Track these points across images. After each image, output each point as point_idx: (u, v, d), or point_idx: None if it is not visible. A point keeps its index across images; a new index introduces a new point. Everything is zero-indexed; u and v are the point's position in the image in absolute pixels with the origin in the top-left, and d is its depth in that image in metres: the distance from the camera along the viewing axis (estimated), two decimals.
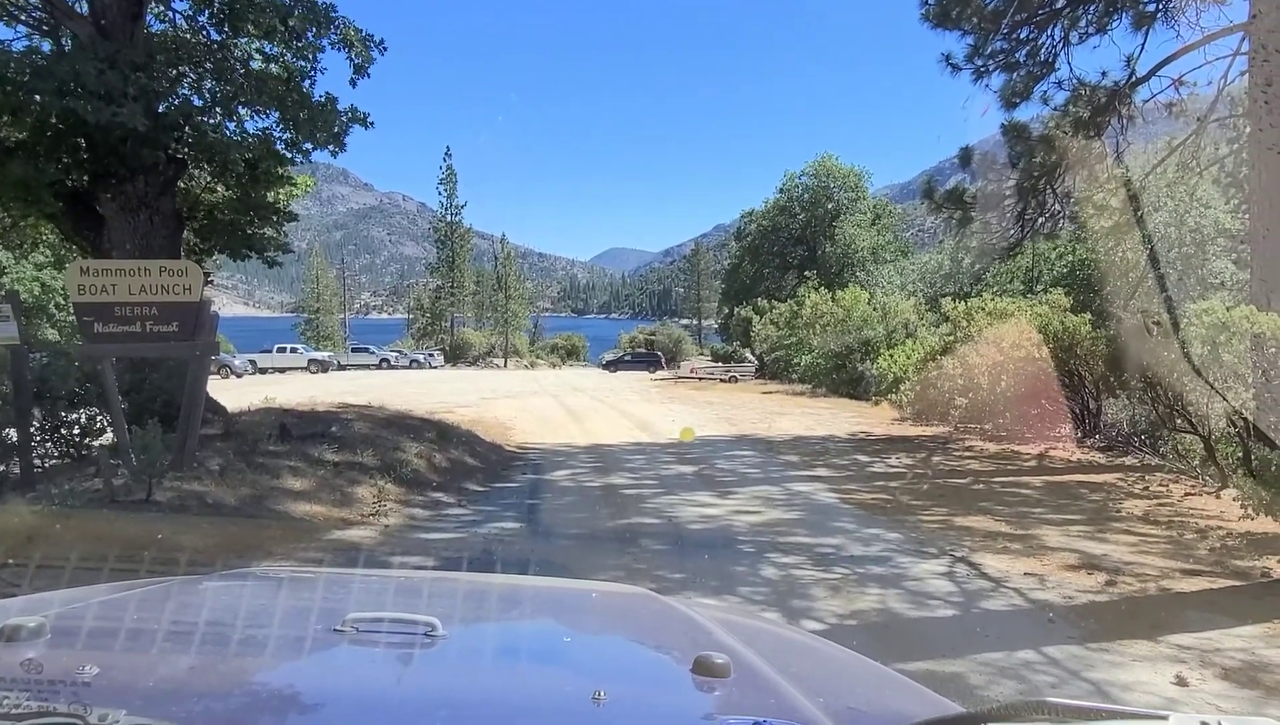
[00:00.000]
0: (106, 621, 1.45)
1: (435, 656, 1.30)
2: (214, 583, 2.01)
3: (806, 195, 50.95)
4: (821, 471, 12.23)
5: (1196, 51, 11.92)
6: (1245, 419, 8.70)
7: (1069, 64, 12.98)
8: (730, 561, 7.03)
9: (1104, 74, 12.88)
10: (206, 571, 2.23)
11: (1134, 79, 12.58)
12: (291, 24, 11.94)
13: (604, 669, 1.46)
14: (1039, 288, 25.04)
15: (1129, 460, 12.23)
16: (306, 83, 12.52)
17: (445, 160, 70.89)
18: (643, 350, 59.06)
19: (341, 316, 76.44)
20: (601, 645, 1.64)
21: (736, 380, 39.16)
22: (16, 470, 8.58)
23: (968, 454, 13.69)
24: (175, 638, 1.44)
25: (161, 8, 12.68)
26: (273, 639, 1.47)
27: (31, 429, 8.81)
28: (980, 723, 0.98)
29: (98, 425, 9.55)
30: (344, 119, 12.35)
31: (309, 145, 12.42)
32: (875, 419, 19.52)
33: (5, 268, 31.36)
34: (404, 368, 51.14)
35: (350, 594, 1.90)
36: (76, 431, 9.49)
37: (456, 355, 63.25)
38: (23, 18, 11.76)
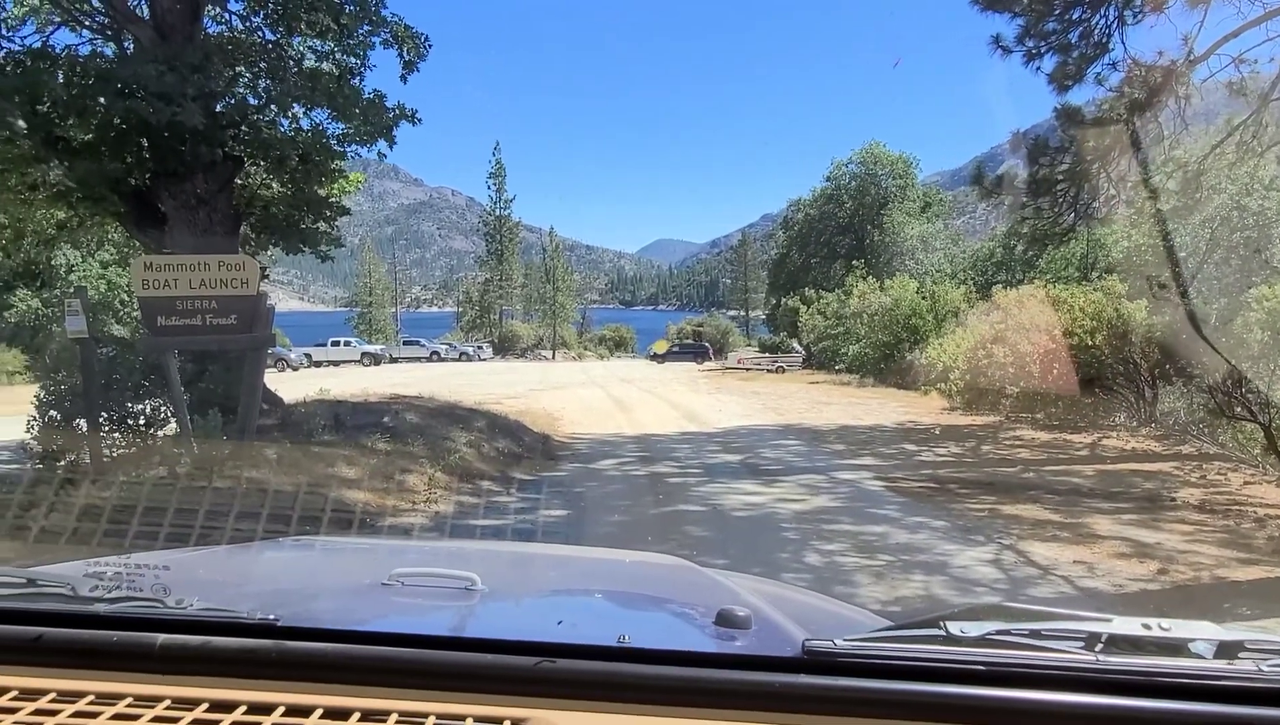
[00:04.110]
0: (185, 566, 1.60)
1: (472, 606, 1.41)
2: (282, 548, 2.16)
3: (854, 183, 50.31)
4: (868, 460, 12.17)
5: (1258, 28, 11.54)
6: None
7: (1123, 44, 12.64)
8: (774, 548, 7.07)
9: (1160, 53, 12.52)
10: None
11: (1191, 58, 12.23)
12: (343, 22, 12.22)
13: (631, 619, 1.54)
14: (1094, 274, 24.48)
15: (1185, 449, 11.95)
16: (356, 80, 12.80)
17: (494, 155, 71.73)
18: (690, 341, 59.05)
19: (393, 310, 77.66)
20: (631, 600, 1.72)
21: (784, 371, 38.98)
22: (87, 458, 8.95)
23: (1018, 443, 13.49)
24: (243, 579, 1.58)
25: (218, 10, 13.04)
26: (327, 587, 1.61)
27: (100, 419, 9.18)
28: (942, 621, 1.07)
29: (161, 415, 9.90)
30: (392, 115, 12.60)
31: (359, 141, 12.70)
32: (923, 408, 19.30)
33: (74, 266, 32.49)
34: (454, 360, 51.80)
35: (400, 557, 2.03)
36: (142, 422, 9.84)
37: (505, 347, 63.87)
38: (87, 23, 12.21)
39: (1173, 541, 7.15)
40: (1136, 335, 13.43)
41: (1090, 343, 14.23)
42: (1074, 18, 13.08)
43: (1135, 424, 13.82)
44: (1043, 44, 13.33)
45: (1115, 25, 12.73)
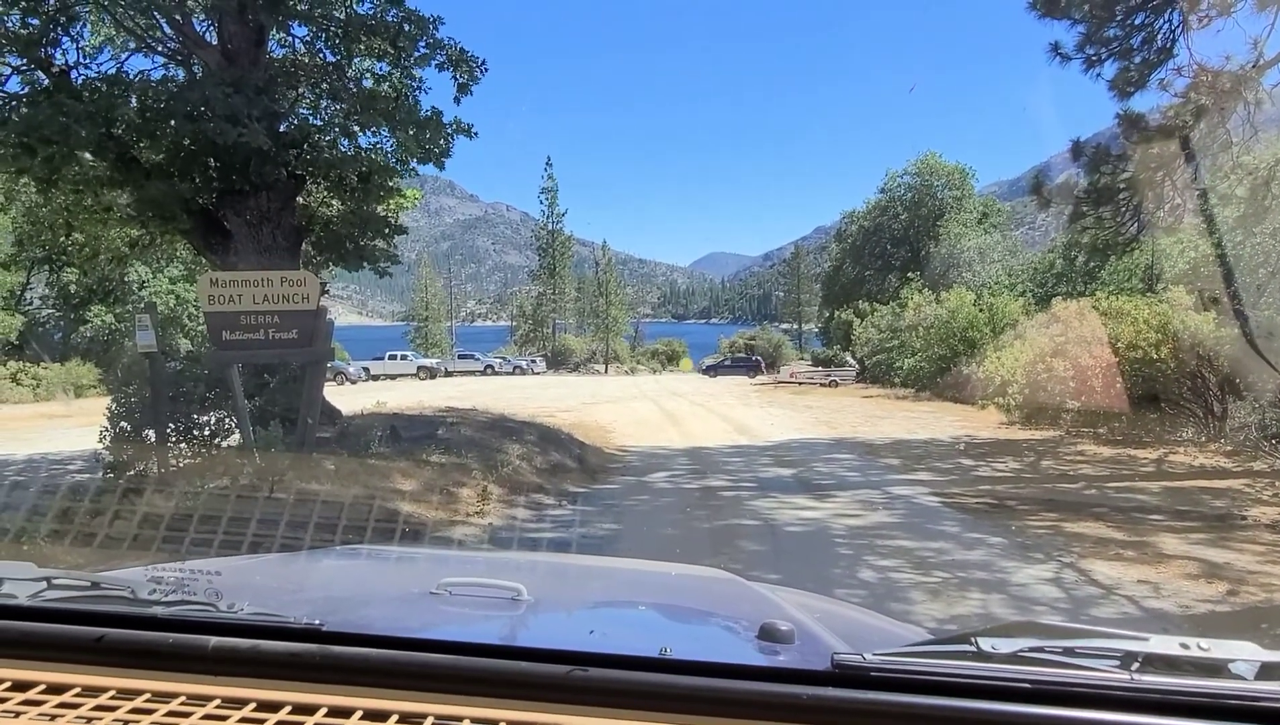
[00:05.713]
0: (237, 572, 1.66)
1: (516, 616, 1.44)
2: (330, 556, 2.22)
3: (909, 194, 49.67)
4: (923, 475, 11.97)
5: None
6: None
7: (1188, 49, 12.30)
8: (827, 564, 6.99)
9: (1228, 58, 12.17)
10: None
11: (1261, 62, 11.86)
12: (400, 45, 12.52)
13: (674, 632, 1.56)
14: (1159, 286, 23.78)
15: (1258, 465, 11.51)
16: (410, 100, 13.10)
17: (546, 170, 72.62)
18: (742, 355, 58.79)
19: (448, 324, 78.76)
20: (674, 613, 1.73)
21: (837, 384, 38.56)
22: (155, 468, 9.25)
23: (1079, 458, 13.14)
24: (293, 586, 1.63)
25: (282, 34, 13.46)
26: (375, 594, 1.67)
27: (167, 430, 9.48)
28: (974, 637, 1.07)
29: (225, 427, 10.18)
30: (449, 131, 12.85)
31: (416, 159, 12.99)
32: (981, 423, 18.92)
33: (144, 282, 33.68)
34: (507, 373, 52.35)
35: (447, 567, 2.08)
36: (207, 433, 10.13)
37: (558, 361, 64.31)
38: (159, 49, 12.70)
39: (1243, 561, 6.89)
40: (1204, 348, 12.99)
41: (1155, 356, 13.82)
42: (1136, 23, 12.79)
43: (1204, 439, 13.37)
44: (1104, 50, 13.05)
45: (1179, 30, 12.41)
